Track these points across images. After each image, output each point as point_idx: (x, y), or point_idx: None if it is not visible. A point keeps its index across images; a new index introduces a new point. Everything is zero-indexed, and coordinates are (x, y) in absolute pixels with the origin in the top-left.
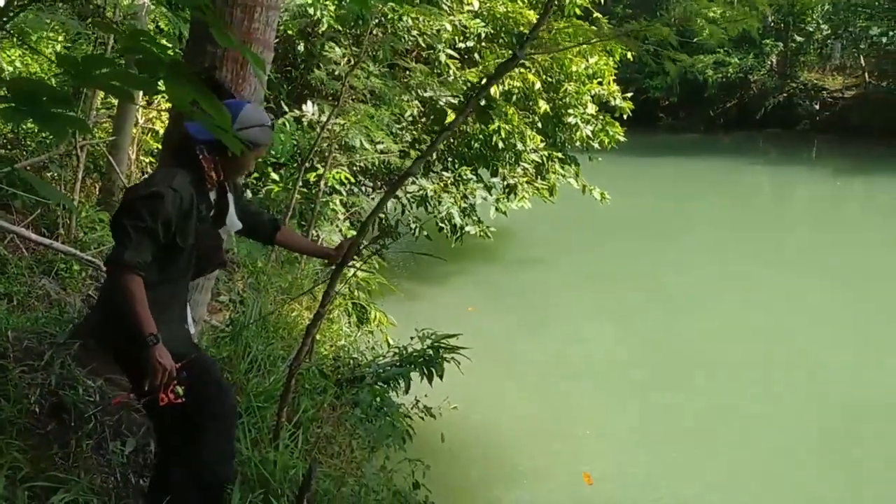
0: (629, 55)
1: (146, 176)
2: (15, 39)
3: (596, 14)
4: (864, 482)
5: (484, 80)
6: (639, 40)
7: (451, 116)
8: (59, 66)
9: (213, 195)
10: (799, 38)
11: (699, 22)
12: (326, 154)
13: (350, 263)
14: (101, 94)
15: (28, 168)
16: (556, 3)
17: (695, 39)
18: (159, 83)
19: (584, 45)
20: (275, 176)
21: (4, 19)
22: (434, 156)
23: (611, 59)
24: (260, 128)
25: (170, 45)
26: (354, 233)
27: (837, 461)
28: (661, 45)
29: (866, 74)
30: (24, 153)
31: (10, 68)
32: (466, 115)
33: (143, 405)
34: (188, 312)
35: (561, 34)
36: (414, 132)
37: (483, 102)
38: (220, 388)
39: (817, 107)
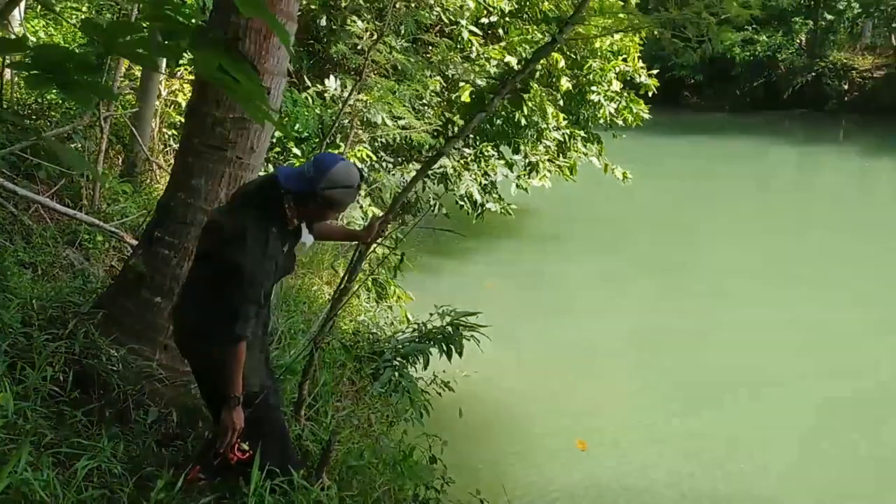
0: (655, 32)
1: (238, 225)
2: (39, 9)
3: None
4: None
5: (521, 64)
6: (672, 26)
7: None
8: (84, 32)
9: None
10: (829, 17)
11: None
12: (348, 130)
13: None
14: (126, 64)
15: (53, 138)
16: None
17: (722, 17)
18: (185, 50)
19: (613, 26)
20: (296, 151)
21: None
22: (455, 131)
23: (636, 35)
24: (344, 189)
25: (192, 16)
26: (375, 209)
27: (840, 440)
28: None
29: None
30: (49, 124)
31: (34, 38)
32: (503, 98)
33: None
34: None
35: (588, 12)
36: (436, 108)
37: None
38: (274, 413)
39: (846, 86)
